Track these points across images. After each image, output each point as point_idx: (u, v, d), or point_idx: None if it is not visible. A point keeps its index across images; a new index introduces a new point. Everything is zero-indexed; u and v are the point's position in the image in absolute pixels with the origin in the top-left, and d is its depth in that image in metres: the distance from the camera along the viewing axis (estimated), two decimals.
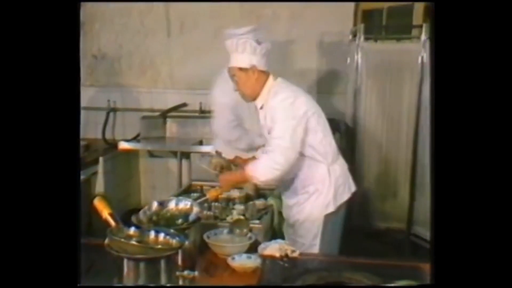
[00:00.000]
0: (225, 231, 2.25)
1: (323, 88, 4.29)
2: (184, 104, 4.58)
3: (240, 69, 2.49)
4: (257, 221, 2.49)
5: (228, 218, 2.54)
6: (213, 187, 2.67)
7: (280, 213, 2.74)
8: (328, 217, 2.51)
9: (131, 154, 4.57)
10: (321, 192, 2.53)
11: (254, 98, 2.53)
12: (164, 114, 4.49)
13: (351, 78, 3.90)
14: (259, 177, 2.34)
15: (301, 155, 2.50)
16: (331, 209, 2.52)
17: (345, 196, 2.57)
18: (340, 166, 2.58)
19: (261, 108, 2.51)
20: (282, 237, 2.53)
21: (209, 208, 2.65)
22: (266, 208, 2.71)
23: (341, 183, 2.55)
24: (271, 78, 2.52)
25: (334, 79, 4.27)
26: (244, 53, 2.44)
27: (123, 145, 4.23)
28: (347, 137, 3.85)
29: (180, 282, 1.76)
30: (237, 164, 2.85)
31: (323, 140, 2.50)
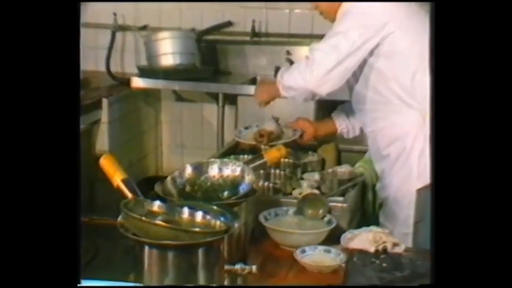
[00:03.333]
0: (291, 211, 2.28)
1: None
2: (229, 23, 4.60)
3: None
4: (339, 198, 2.49)
5: (296, 192, 2.54)
6: (273, 145, 2.69)
7: (373, 186, 2.74)
8: (423, 193, 2.47)
9: (149, 96, 4.64)
10: (410, 153, 2.54)
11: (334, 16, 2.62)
12: (199, 38, 4.51)
13: None
14: (281, 76, 2.66)
15: (374, 91, 2.49)
16: (427, 180, 2.47)
17: None
18: None
19: None
20: (378, 223, 2.53)
21: (268, 177, 2.69)
22: (354, 178, 2.69)
23: None
24: None
25: None
26: None
27: (137, 82, 4.29)
28: None
29: (226, 282, 1.79)
30: (299, 131, 2.89)
31: (417, 73, 2.51)
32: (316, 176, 2.73)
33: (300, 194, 2.48)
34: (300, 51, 4.25)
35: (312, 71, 2.52)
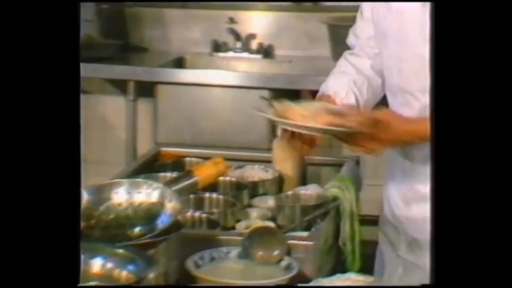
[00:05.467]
0: (234, 253, 2.33)
1: None
2: None
3: None
4: (303, 233, 2.53)
5: (241, 226, 2.57)
6: (207, 158, 2.71)
7: (353, 216, 2.74)
8: None
9: None
10: None
11: None
12: None
13: None
14: None
15: None
16: None
17: None
18: None
19: None
20: (361, 268, 2.56)
21: (200, 204, 2.71)
22: (324, 204, 2.72)
23: None
24: None
25: None
26: None
27: None
28: None
29: None
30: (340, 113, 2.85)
31: None
32: (270, 201, 2.75)
33: (246, 228, 2.50)
34: (249, 18, 4.29)
35: None
